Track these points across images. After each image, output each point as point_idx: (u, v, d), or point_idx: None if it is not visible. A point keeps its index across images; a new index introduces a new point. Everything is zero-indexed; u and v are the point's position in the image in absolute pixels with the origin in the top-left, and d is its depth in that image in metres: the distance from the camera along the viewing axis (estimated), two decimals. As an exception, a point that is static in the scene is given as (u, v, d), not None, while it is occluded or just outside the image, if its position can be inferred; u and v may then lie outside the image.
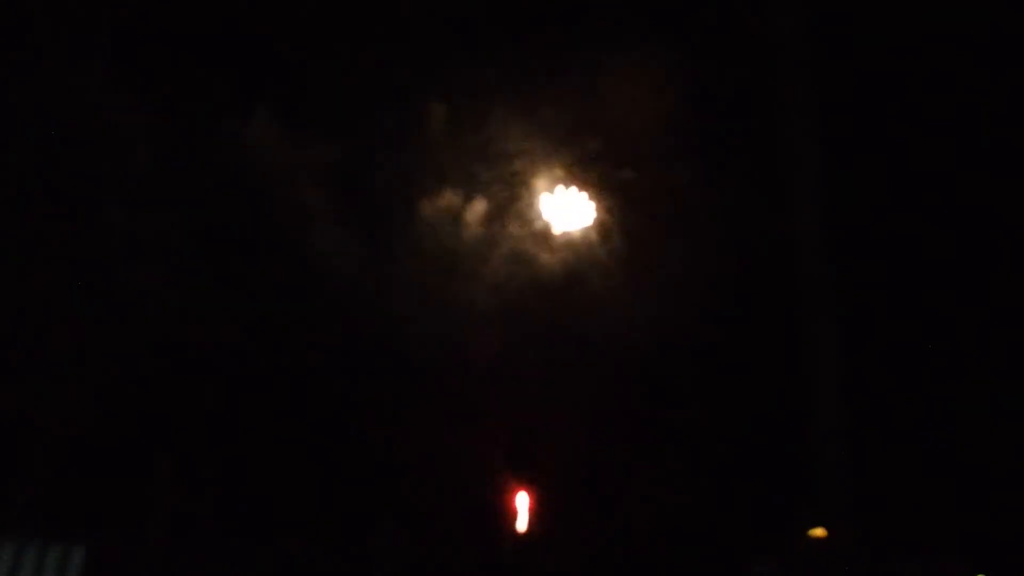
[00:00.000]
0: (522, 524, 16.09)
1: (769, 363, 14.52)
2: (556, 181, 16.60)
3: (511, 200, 16.49)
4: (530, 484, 16.16)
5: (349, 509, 15.25)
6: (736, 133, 15.22)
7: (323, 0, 15.75)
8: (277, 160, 15.36)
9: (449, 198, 16.22)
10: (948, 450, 13.73)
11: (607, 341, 15.39)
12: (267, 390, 15.20)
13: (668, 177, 15.65)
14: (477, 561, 15.49)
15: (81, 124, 14.43)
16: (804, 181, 14.16)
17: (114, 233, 14.49)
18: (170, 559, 14.33)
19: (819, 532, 13.68)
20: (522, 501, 16.21)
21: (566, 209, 16.52)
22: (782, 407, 14.16)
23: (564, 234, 16.44)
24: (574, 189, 16.49)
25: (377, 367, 15.50)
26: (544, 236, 16.46)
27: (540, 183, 16.62)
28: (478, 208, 16.34)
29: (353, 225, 15.62)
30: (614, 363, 15.43)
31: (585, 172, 16.42)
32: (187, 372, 14.95)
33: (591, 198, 16.47)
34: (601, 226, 16.24)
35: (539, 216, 16.64)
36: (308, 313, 15.33)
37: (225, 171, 15.16)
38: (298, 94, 15.69)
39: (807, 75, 14.53)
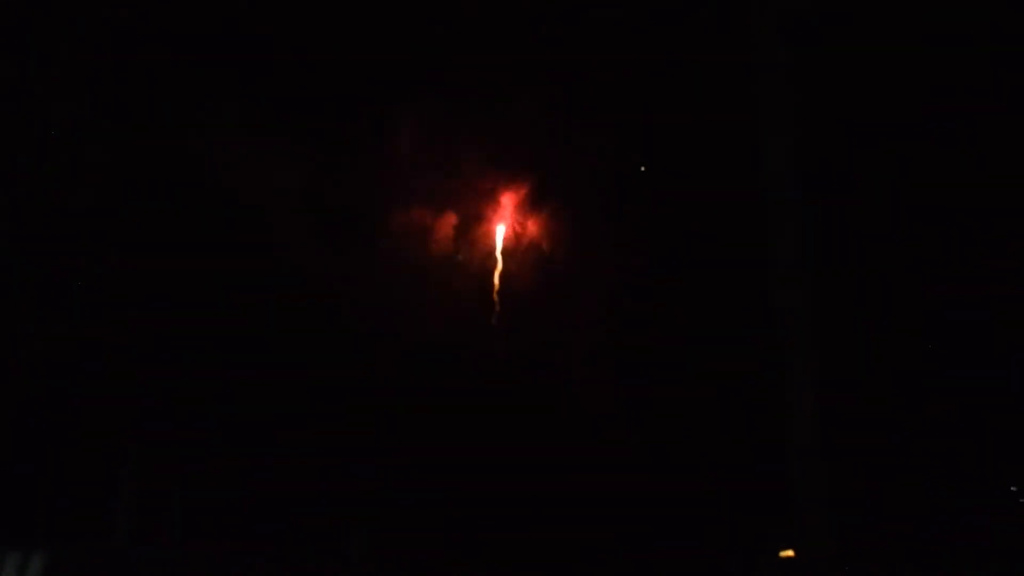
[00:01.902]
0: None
1: (744, 386, 14.41)
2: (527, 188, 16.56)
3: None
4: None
5: (319, 517, 15.13)
6: (715, 147, 15.10)
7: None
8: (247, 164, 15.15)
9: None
10: (922, 470, 13.68)
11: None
12: (235, 393, 15.03)
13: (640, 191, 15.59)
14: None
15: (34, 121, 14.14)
16: (783, 192, 13.95)
17: (76, 239, 14.26)
18: (133, 566, 14.12)
19: (789, 554, 13.59)
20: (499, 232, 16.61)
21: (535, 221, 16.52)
22: (756, 428, 14.06)
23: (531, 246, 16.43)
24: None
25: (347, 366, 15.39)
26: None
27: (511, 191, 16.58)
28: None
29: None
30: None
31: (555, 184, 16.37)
32: (153, 375, 14.75)
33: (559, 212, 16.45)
34: (571, 240, 16.18)
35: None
36: (276, 315, 15.16)
37: (191, 175, 14.95)
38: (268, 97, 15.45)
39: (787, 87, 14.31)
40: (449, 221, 16.49)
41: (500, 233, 16.79)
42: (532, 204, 16.69)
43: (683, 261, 15.46)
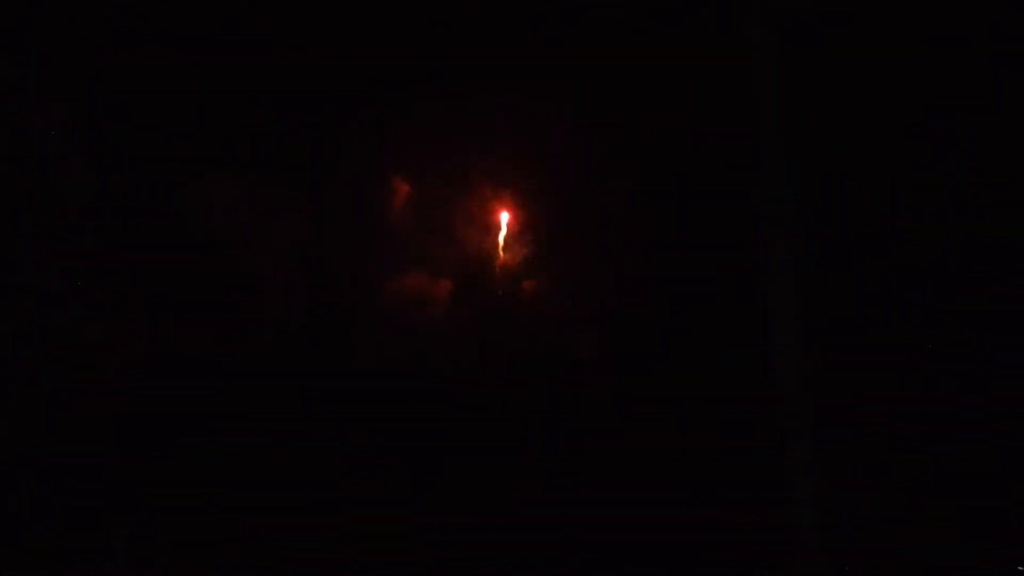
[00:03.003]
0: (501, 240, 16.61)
1: (738, 430, 14.23)
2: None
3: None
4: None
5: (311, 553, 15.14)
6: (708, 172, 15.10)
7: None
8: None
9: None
10: (922, 518, 13.44)
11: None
12: (224, 436, 15.12)
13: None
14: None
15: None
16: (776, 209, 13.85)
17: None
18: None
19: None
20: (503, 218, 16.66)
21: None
22: (753, 480, 13.84)
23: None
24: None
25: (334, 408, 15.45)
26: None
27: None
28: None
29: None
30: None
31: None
32: (144, 418, 14.88)
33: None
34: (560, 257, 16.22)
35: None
36: (263, 362, 15.31)
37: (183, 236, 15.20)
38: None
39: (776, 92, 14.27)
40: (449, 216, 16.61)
41: (504, 220, 16.89)
42: (529, 203, 16.79)
43: (677, 269, 15.43)
